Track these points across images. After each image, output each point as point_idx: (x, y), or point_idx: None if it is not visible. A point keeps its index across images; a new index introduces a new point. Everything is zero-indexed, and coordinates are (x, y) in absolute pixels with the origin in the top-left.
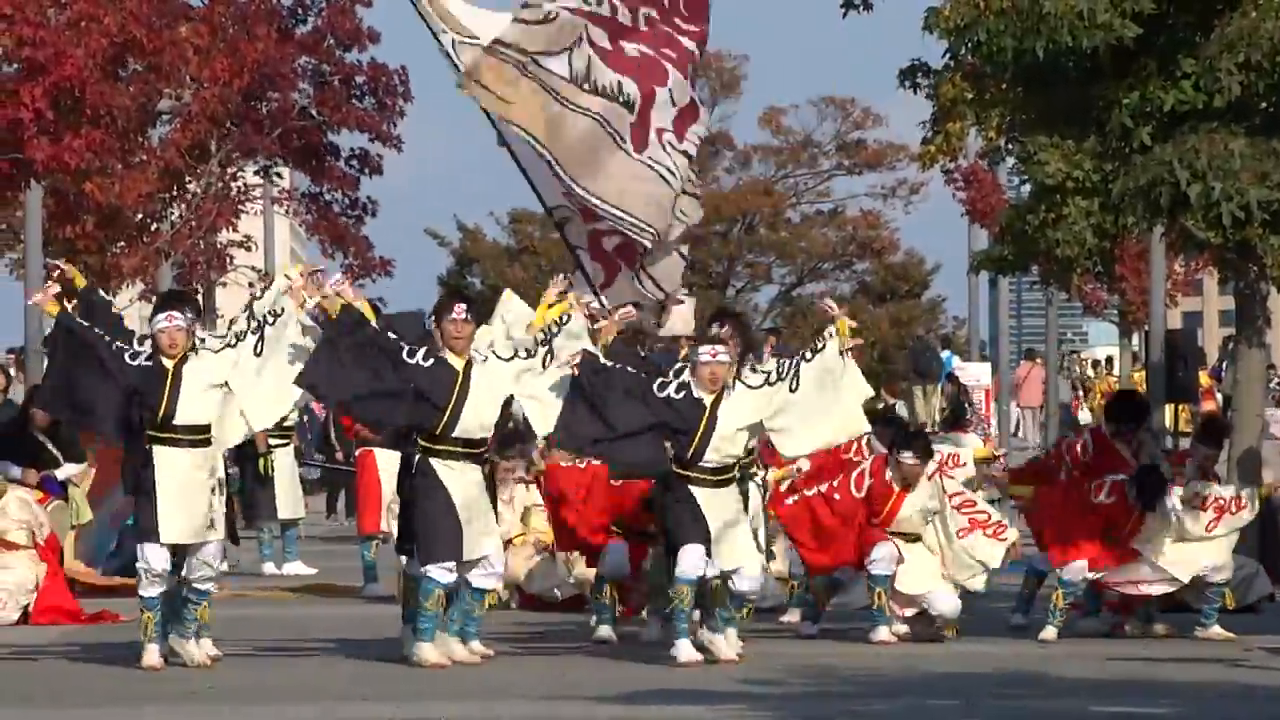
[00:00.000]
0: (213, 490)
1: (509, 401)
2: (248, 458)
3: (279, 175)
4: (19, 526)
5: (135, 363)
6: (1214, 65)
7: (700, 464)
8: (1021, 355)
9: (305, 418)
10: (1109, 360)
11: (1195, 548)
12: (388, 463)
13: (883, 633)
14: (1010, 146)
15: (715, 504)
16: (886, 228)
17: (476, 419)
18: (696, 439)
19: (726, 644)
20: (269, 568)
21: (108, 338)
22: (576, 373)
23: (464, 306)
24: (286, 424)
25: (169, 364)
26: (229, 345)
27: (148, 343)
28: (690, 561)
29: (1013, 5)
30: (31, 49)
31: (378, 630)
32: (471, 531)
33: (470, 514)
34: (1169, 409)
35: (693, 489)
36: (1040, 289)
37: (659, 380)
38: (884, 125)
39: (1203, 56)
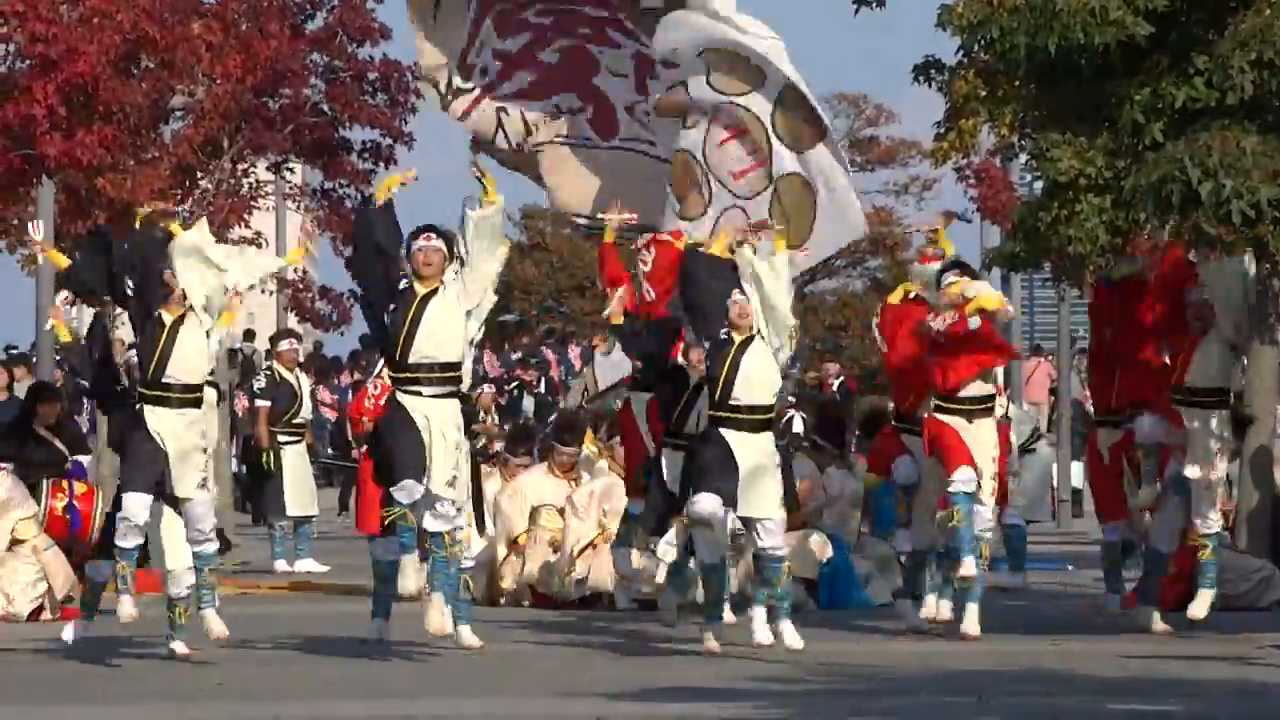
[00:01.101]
0: (204, 450)
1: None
2: (251, 454)
3: (290, 170)
4: (28, 516)
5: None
6: (1226, 63)
7: (730, 403)
8: (1031, 352)
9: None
10: None
11: None
12: None
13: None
14: (1023, 143)
15: (747, 450)
16: (899, 224)
17: (432, 343)
18: (722, 379)
19: (791, 633)
20: (281, 564)
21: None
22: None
23: (434, 234)
24: (298, 421)
25: (167, 318)
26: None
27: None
28: (706, 505)
29: (1025, 2)
30: (44, 45)
31: (389, 627)
32: (436, 465)
33: (436, 445)
34: None
35: (724, 431)
36: (1052, 286)
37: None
38: (896, 122)
39: (1215, 54)
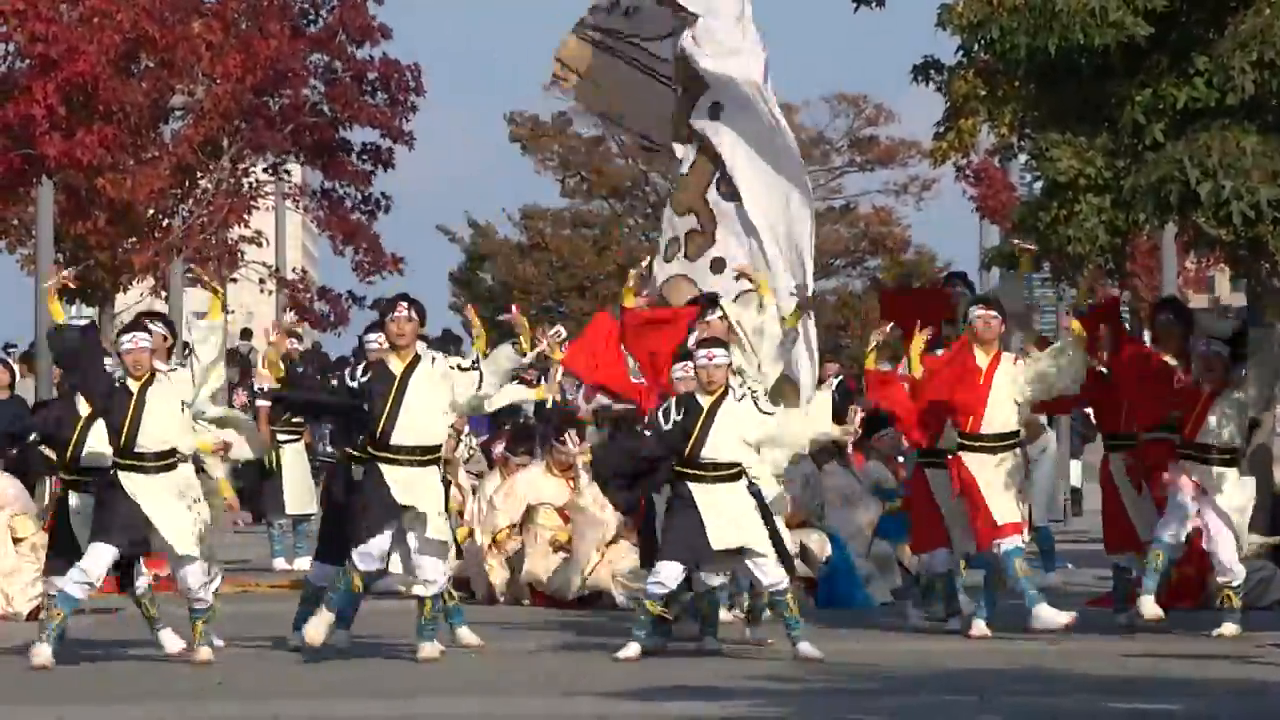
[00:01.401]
0: (188, 508)
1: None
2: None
3: (288, 172)
4: (26, 514)
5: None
6: (1226, 63)
7: (698, 461)
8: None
9: None
10: None
11: None
12: None
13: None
14: (1022, 143)
15: (714, 502)
16: (899, 224)
17: (415, 422)
18: (694, 436)
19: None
20: (279, 563)
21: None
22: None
23: (406, 304)
24: (297, 420)
25: (134, 386)
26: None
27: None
28: (667, 574)
29: (1025, 2)
30: (44, 45)
31: (389, 627)
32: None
33: (409, 518)
34: None
35: (690, 485)
36: (1052, 286)
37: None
38: (896, 122)
39: (1215, 54)
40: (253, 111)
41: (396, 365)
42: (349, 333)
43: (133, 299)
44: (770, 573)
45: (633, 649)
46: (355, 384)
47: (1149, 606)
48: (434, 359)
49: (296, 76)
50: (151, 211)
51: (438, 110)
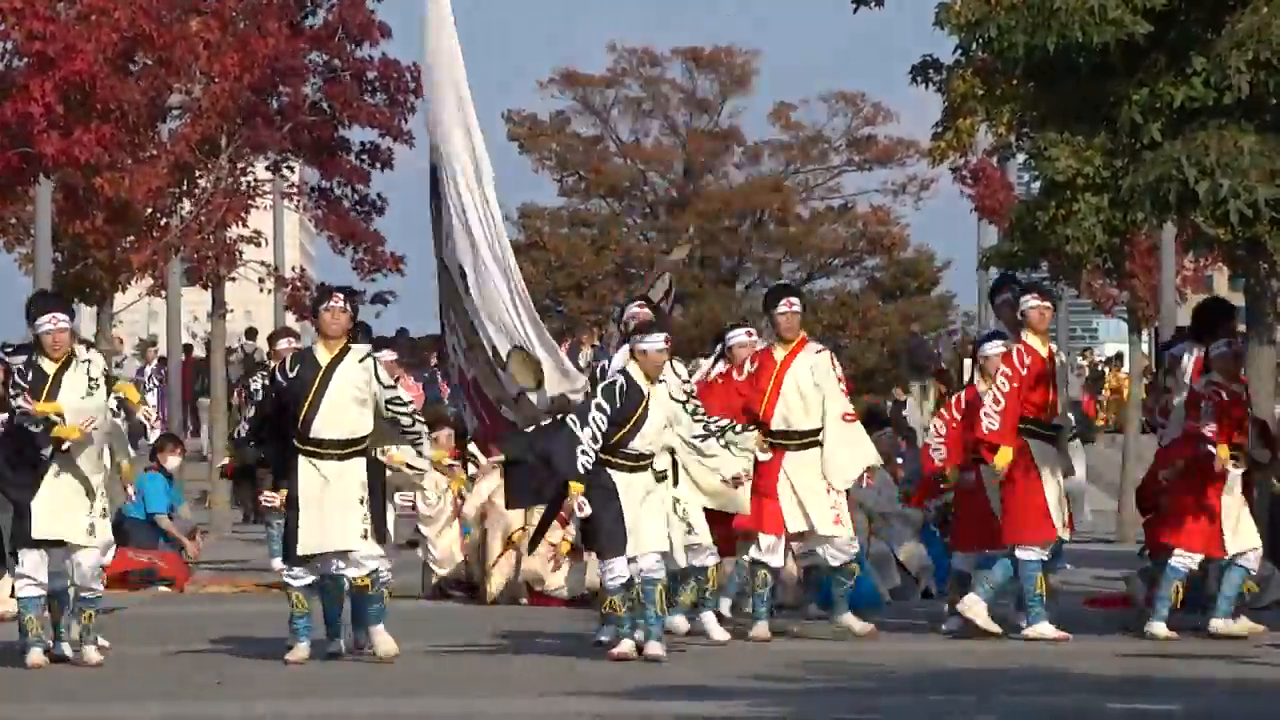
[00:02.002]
0: (88, 495)
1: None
2: None
3: (290, 169)
4: None
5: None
6: (1224, 62)
7: (624, 450)
8: None
9: None
10: (1118, 356)
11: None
12: None
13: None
14: (1020, 143)
15: (633, 488)
16: (896, 224)
17: (338, 415)
18: (630, 424)
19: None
20: (277, 563)
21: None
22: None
23: (341, 296)
24: None
25: (51, 367)
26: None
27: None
28: (618, 571)
29: (1023, 1)
30: (41, 43)
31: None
32: (330, 524)
33: (331, 508)
34: None
35: (612, 473)
36: (1050, 285)
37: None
38: (894, 121)
39: (1213, 53)
40: (251, 110)
41: (324, 355)
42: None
43: (131, 298)
44: (659, 563)
45: (626, 645)
46: (284, 380)
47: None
48: (364, 356)
49: (295, 75)
50: (150, 210)
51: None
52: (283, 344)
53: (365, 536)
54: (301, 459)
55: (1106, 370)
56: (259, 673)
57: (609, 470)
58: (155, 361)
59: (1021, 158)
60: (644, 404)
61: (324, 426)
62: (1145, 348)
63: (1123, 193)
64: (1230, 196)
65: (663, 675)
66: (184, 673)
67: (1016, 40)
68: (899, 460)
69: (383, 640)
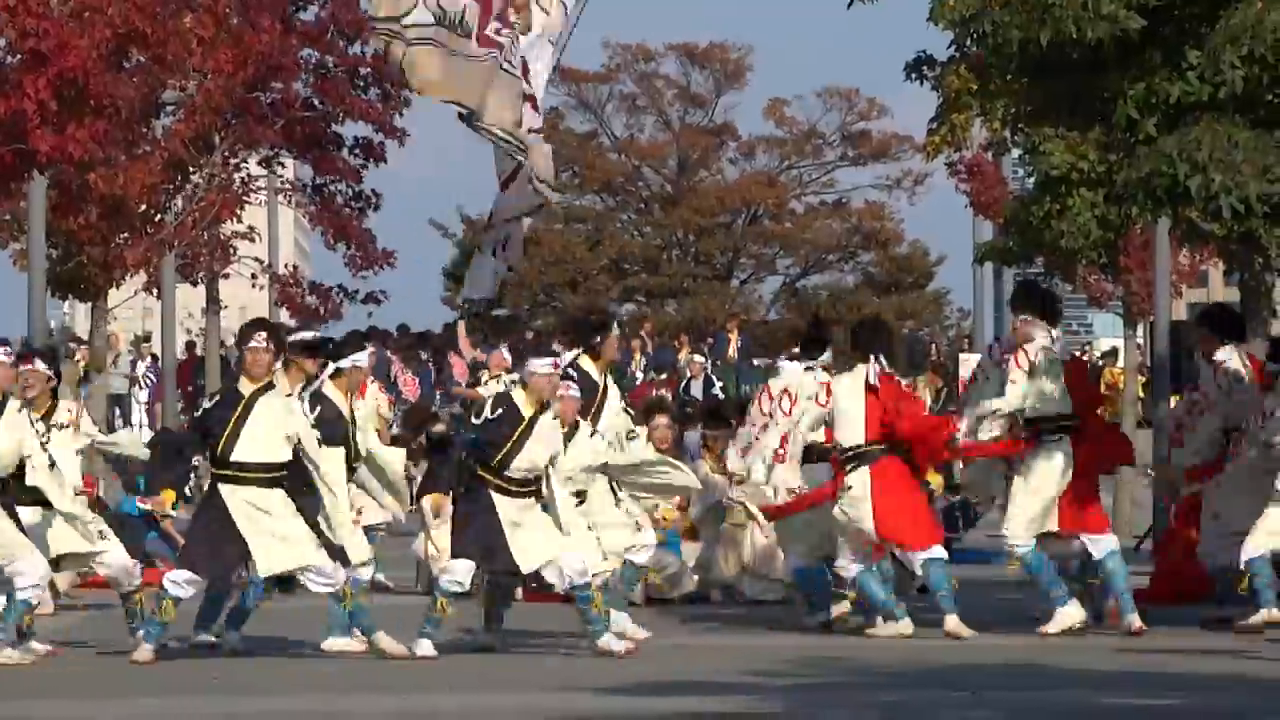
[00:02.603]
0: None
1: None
2: None
3: (281, 165)
4: None
5: None
6: (1217, 57)
7: (505, 473)
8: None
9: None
10: (1114, 351)
11: None
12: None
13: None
14: (1015, 138)
15: (512, 509)
16: (891, 219)
17: (255, 444)
18: (508, 447)
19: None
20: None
21: None
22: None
23: (264, 335)
24: None
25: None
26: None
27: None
28: (461, 572)
29: None
30: (35, 40)
31: (378, 621)
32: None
33: (250, 531)
34: (1174, 400)
35: (493, 494)
36: (1045, 280)
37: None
38: (889, 116)
39: (1207, 48)
40: (244, 106)
41: (247, 387)
42: (340, 327)
43: (125, 294)
44: (564, 576)
45: (616, 642)
46: (204, 408)
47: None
48: (289, 396)
49: (288, 71)
50: (143, 207)
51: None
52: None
53: (319, 548)
54: (222, 485)
55: (1102, 365)
56: (255, 670)
57: (490, 491)
58: (149, 359)
59: (1016, 153)
60: (523, 428)
61: (244, 453)
62: (1140, 342)
63: (1117, 188)
64: (1222, 191)
65: (655, 671)
66: (178, 669)
67: (1010, 35)
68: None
69: (387, 645)
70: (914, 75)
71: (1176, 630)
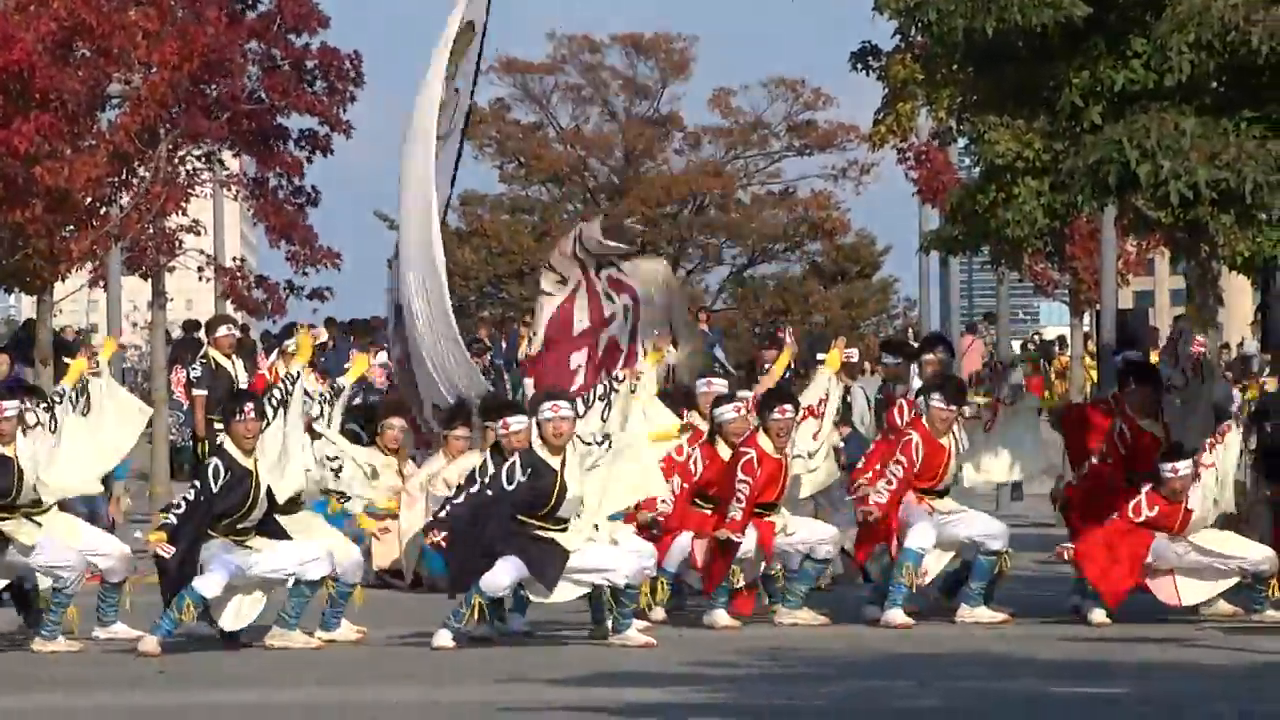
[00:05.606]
0: None
1: None
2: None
3: (221, 163)
4: None
5: None
6: (1164, 45)
7: (554, 518)
8: (965, 330)
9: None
10: (1060, 340)
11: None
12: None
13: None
14: (961, 127)
15: (565, 539)
16: (837, 208)
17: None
18: (550, 504)
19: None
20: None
21: None
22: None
23: (251, 406)
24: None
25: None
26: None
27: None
28: (504, 581)
29: None
30: None
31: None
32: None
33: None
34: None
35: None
36: (991, 269)
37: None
38: (835, 106)
39: (1153, 36)
40: (189, 99)
41: (244, 459)
42: (284, 321)
43: (71, 287)
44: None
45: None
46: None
47: None
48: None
49: (234, 64)
50: (89, 200)
51: (376, 97)
52: (222, 330)
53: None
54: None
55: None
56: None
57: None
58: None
59: (962, 142)
60: (557, 480)
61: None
62: (1087, 330)
63: (1062, 176)
64: (1171, 178)
65: (606, 663)
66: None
67: (955, 24)
68: (840, 446)
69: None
70: (860, 65)
71: (1124, 620)
